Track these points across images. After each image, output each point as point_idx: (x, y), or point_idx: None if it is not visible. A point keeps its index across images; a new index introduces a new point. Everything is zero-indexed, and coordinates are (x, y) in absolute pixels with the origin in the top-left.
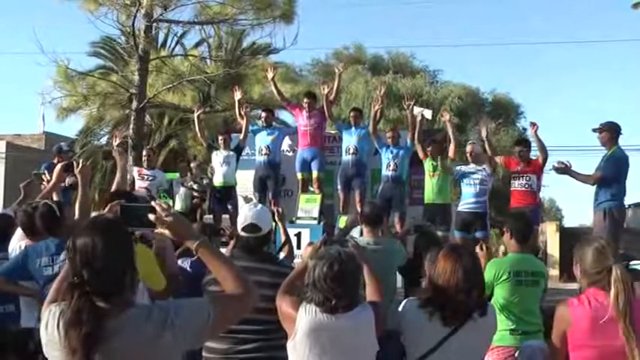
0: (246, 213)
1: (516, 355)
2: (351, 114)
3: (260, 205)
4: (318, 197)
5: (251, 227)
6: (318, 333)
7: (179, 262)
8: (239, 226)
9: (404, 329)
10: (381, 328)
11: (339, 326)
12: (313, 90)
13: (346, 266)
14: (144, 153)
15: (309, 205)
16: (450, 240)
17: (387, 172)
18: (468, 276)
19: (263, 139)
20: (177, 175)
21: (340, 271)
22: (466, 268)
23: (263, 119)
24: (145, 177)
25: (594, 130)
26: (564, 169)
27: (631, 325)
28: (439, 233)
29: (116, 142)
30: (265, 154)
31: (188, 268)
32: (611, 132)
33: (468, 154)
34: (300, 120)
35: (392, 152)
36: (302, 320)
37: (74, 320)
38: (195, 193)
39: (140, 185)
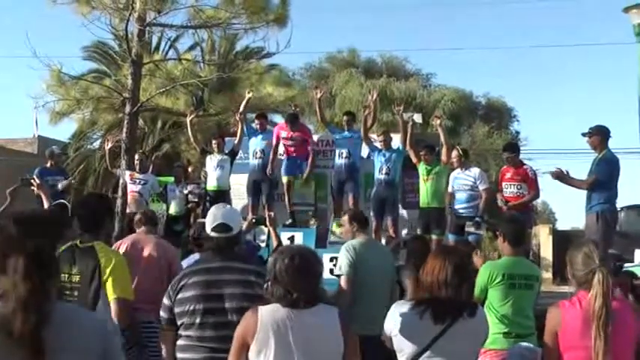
0: (215, 213)
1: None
2: (344, 118)
3: (229, 206)
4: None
5: (222, 227)
6: (280, 329)
7: (184, 262)
8: (208, 227)
9: (395, 331)
10: (348, 334)
11: (301, 321)
12: (294, 110)
13: (308, 260)
14: (136, 157)
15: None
16: (444, 243)
17: (379, 175)
18: (457, 271)
19: (257, 143)
20: (172, 179)
21: (301, 265)
22: (455, 264)
23: (258, 125)
24: (137, 181)
25: (584, 135)
26: (560, 175)
27: (604, 328)
28: (434, 237)
29: (108, 145)
30: (259, 157)
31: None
32: (600, 135)
33: (454, 159)
34: (282, 133)
35: (384, 156)
36: (262, 318)
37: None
38: (192, 197)
39: (132, 189)
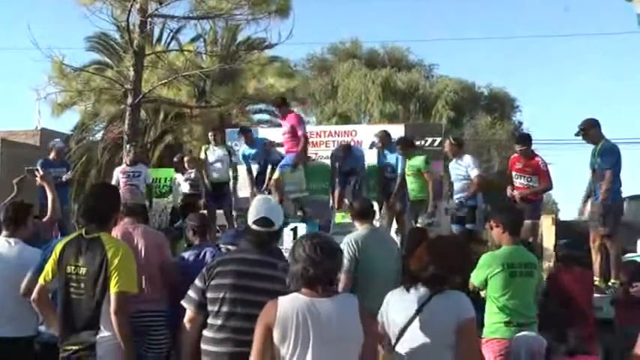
0: (258, 206)
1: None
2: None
3: (273, 200)
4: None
5: (263, 221)
6: (299, 317)
7: (186, 253)
8: (250, 219)
9: (384, 310)
10: (367, 323)
11: (320, 310)
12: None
13: (326, 241)
14: (127, 148)
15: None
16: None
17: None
18: (430, 251)
19: (253, 155)
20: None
21: (319, 243)
22: (430, 244)
23: (243, 141)
24: (131, 174)
25: (577, 135)
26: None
27: None
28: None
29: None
30: (258, 163)
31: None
32: (595, 128)
33: (447, 150)
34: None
35: (385, 160)
36: (282, 307)
37: None
38: (190, 190)
39: (126, 182)
